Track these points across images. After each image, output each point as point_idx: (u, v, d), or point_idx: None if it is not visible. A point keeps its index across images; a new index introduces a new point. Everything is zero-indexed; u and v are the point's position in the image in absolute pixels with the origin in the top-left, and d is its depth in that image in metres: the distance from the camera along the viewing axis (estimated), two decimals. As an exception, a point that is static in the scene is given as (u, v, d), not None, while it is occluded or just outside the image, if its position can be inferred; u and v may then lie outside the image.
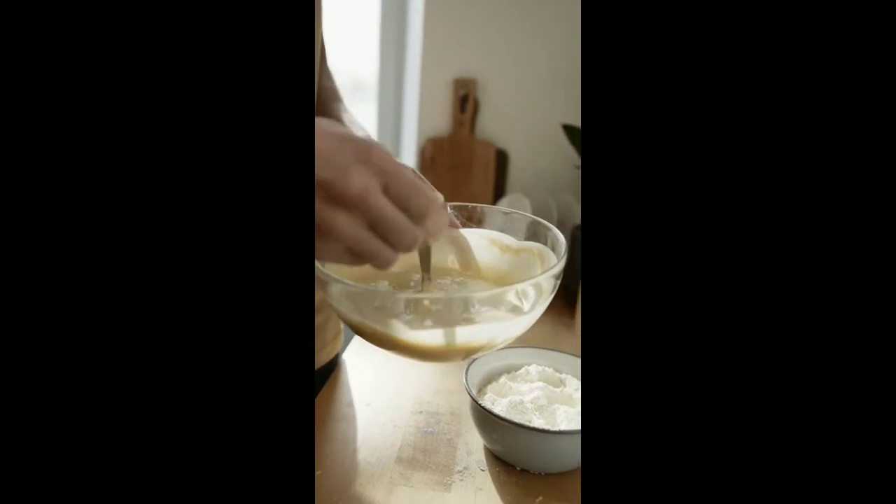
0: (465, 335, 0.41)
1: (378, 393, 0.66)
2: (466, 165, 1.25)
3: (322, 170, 0.32)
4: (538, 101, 1.22)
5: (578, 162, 1.15)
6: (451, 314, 0.41)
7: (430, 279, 0.45)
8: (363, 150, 0.34)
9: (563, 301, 1.01)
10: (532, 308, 0.42)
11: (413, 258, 0.44)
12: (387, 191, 0.34)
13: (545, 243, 0.47)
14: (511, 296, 0.43)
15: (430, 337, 0.40)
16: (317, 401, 0.65)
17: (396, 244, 0.36)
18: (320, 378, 0.69)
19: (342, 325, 0.74)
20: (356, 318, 0.41)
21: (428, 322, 0.40)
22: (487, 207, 0.51)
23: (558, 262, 0.41)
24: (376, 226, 0.34)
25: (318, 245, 0.34)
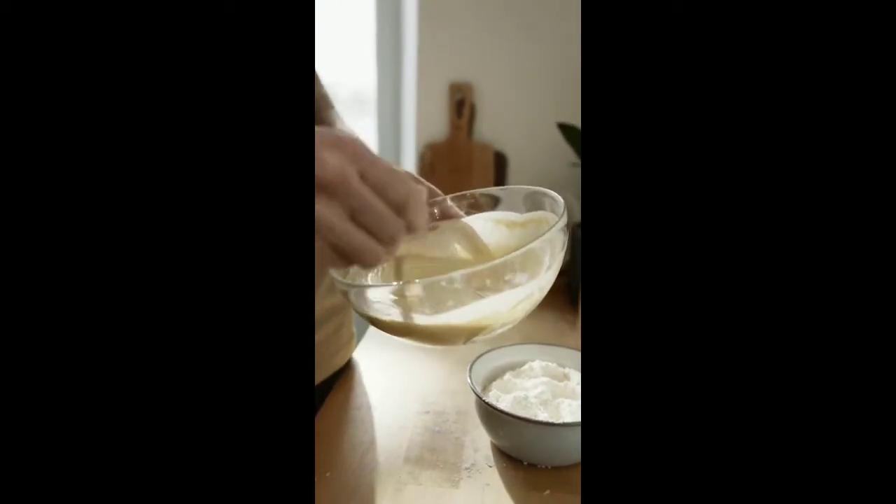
0: (490, 305, 0.40)
1: (385, 394, 0.67)
2: (466, 169, 1.26)
3: None
4: (533, 102, 1.23)
5: (575, 160, 1.16)
6: (468, 291, 0.40)
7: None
8: (333, 138, 0.33)
9: (565, 299, 1.02)
10: (549, 266, 0.43)
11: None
12: (364, 177, 0.34)
13: (546, 209, 0.48)
14: (520, 262, 0.41)
15: (458, 316, 0.40)
16: (328, 403, 0.66)
17: (380, 235, 0.35)
18: (333, 380, 0.70)
19: (355, 329, 0.76)
20: (383, 317, 0.41)
21: (450, 303, 0.40)
22: (484, 191, 0.52)
23: (559, 219, 0.42)
24: (358, 215, 0.34)
25: None
